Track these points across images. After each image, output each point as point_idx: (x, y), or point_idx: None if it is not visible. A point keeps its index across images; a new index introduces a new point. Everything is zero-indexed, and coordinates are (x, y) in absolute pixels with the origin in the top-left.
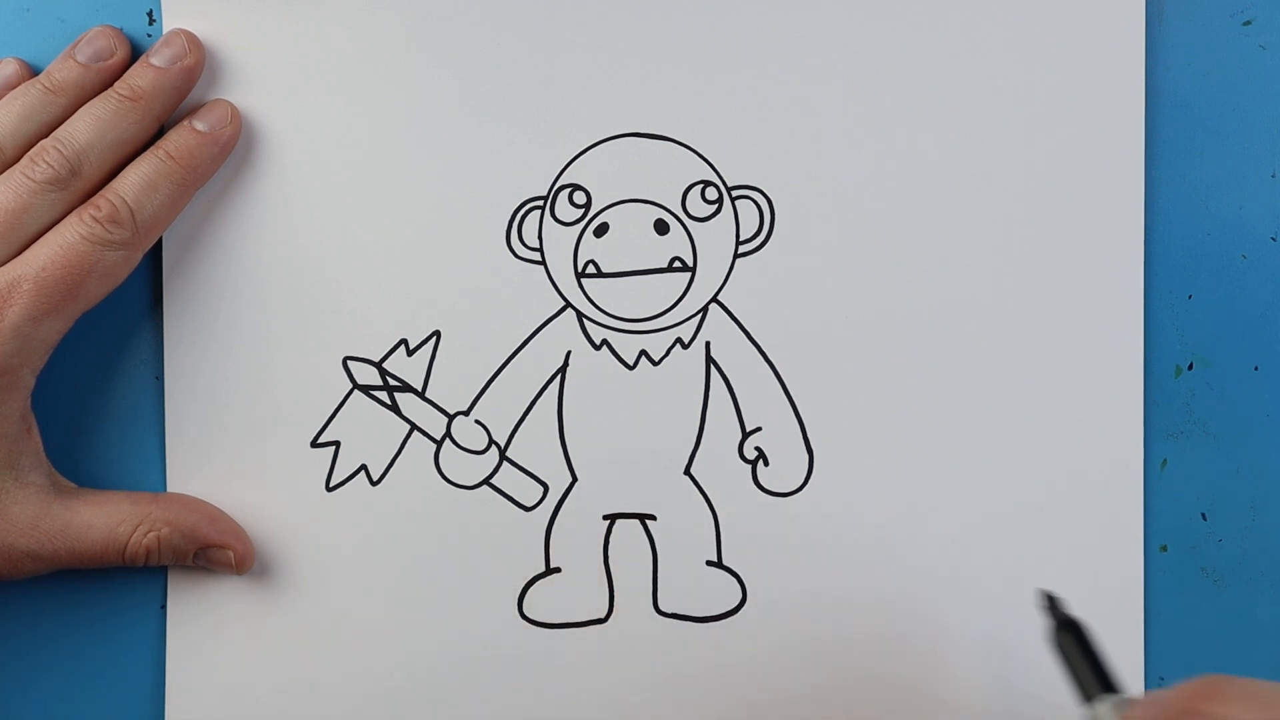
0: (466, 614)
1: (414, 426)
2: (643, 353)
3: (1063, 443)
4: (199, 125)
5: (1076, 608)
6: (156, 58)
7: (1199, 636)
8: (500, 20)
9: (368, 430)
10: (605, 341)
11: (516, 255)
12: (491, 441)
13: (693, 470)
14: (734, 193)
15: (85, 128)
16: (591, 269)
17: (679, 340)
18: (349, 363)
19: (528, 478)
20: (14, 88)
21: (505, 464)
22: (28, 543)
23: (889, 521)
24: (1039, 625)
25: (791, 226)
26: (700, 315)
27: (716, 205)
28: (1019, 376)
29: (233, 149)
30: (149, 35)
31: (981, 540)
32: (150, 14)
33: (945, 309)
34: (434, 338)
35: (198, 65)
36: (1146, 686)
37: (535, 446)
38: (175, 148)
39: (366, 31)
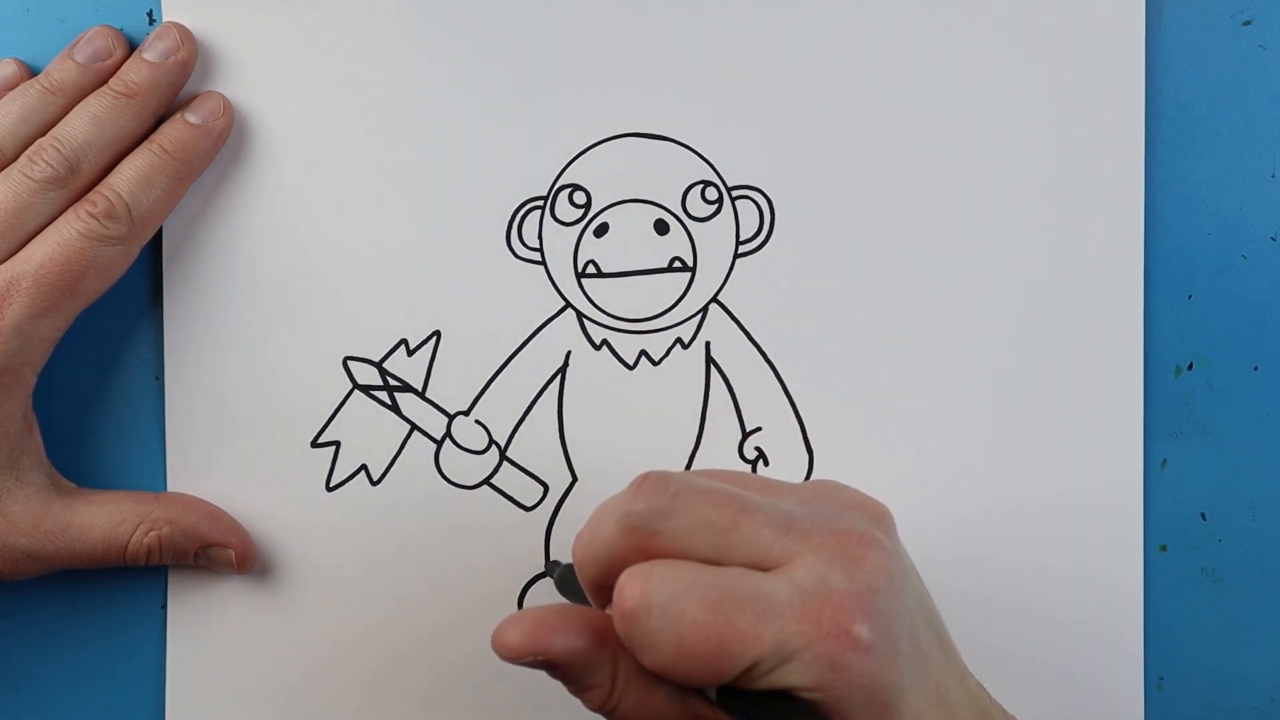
0: (466, 614)
1: (414, 426)
2: (643, 353)
3: (1063, 443)
4: (192, 118)
5: (1077, 608)
6: (150, 52)
7: (1199, 636)
8: (500, 19)
9: (368, 430)
10: (605, 341)
11: (516, 255)
12: (491, 441)
13: (693, 470)
14: (734, 193)
15: (83, 125)
16: (591, 269)
17: (679, 340)
18: (349, 363)
19: (528, 478)
20: (13, 88)
21: (505, 464)
22: (28, 543)
23: None
24: (1039, 626)
25: (791, 226)
26: (700, 315)
27: (716, 205)
28: (1019, 376)
29: (225, 141)
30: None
31: (981, 540)
32: (150, 14)
33: (945, 309)
34: (434, 338)
35: (191, 59)
36: (1146, 686)
37: (535, 446)
38: (169, 141)
39: (367, 31)
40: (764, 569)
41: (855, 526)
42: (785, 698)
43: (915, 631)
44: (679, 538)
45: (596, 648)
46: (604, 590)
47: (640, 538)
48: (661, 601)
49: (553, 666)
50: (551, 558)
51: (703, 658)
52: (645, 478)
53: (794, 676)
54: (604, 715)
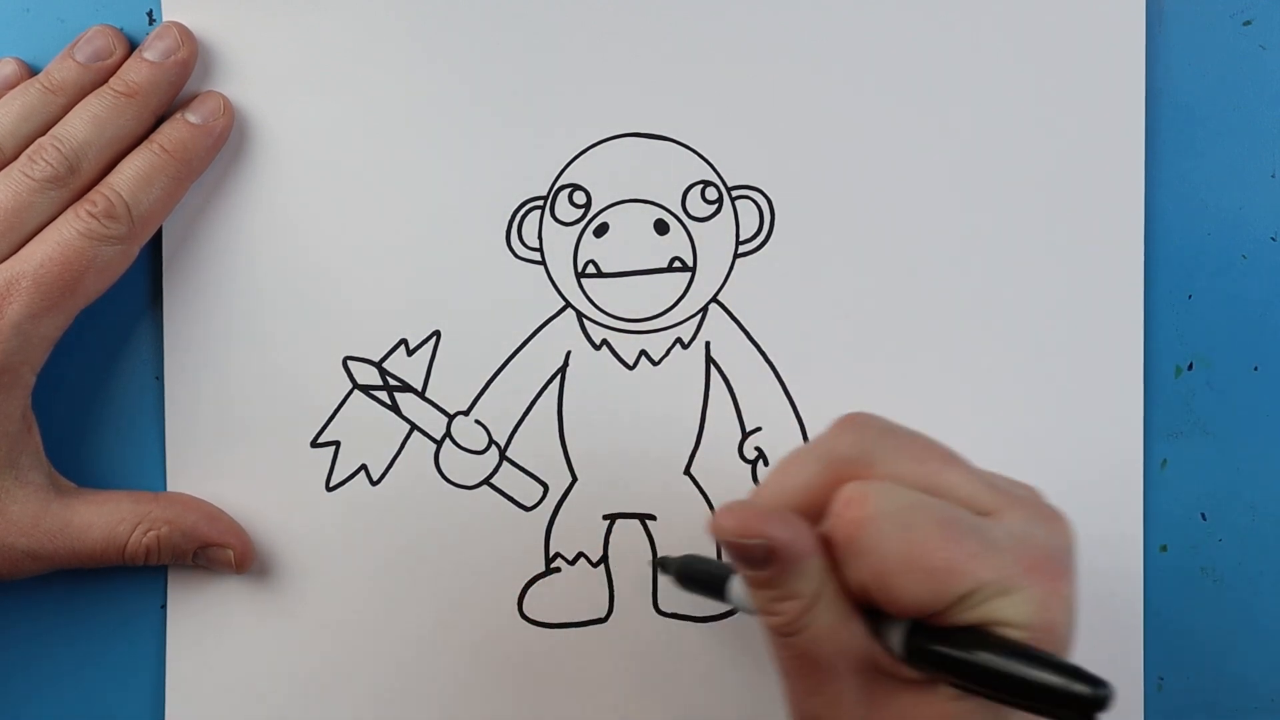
0: (466, 614)
1: (414, 426)
2: (643, 353)
3: (1063, 443)
4: (192, 118)
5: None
6: (150, 52)
7: (1199, 636)
8: (501, 18)
9: (368, 430)
10: (605, 341)
11: (516, 255)
12: (491, 441)
13: (693, 470)
14: (734, 193)
15: (83, 125)
16: (591, 269)
17: (679, 340)
18: (349, 363)
19: (528, 478)
20: (13, 87)
21: (505, 464)
22: (27, 542)
23: None
24: None
25: (791, 226)
26: (700, 315)
27: (716, 205)
28: (1019, 376)
29: (226, 140)
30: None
31: None
32: (150, 14)
33: (945, 309)
34: (434, 338)
35: (191, 58)
36: (1146, 686)
37: (535, 446)
38: (169, 141)
39: (367, 31)
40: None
41: (1036, 496)
42: (981, 637)
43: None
44: (892, 471)
45: (813, 552)
46: None
47: (850, 468)
48: (892, 510)
49: (768, 560)
50: (660, 554)
51: (930, 571)
52: (852, 415)
53: (1009, 611)
54: (786, 635)
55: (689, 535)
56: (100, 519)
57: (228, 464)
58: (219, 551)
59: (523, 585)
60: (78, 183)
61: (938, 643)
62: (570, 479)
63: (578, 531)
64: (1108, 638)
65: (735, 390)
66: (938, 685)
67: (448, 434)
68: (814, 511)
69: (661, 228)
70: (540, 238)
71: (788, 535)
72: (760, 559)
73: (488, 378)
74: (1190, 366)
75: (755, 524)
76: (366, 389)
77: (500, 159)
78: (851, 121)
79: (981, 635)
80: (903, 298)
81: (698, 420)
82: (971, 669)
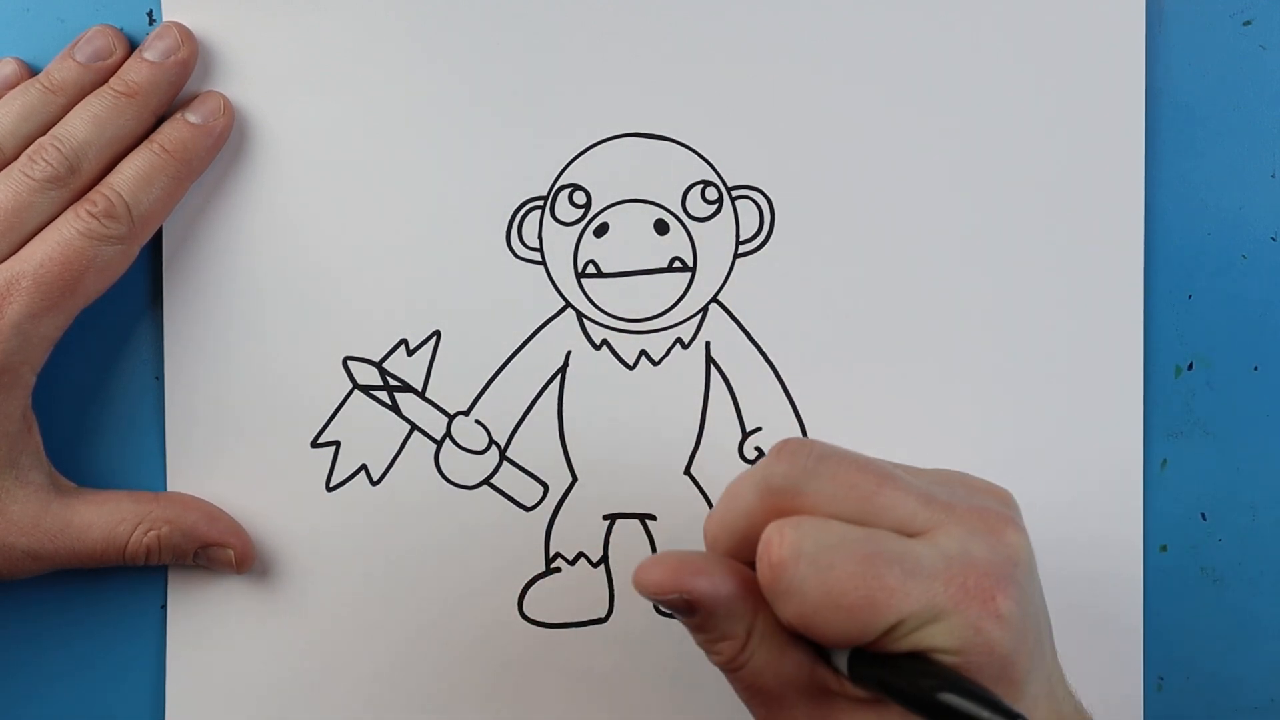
0: (466, 614)
1: (414, 426)
2: (643, 353)
3: (1063, 443)
4: (192, 118)
5: (1076, 608)
6: (150, 52)
7: (1199, 636)
8: (501, 18)
9: (368, 430)
10: (605, 341)
11: (516, 255)
12: (491, 441)
13: (693, 470)
14: (734, 193)
15: (83, 125)
16: (591, 269)
17: (679, 340)
18: (349, 363)
19: (528, 478)
20: (13, 87)
21: (505, 464)
22: (28, 542)
23: None
24: None
25: (791, 226)
26: (700, 315)
27: (716, 205)
28: (1019, 376)
29: (226, 140)
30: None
31: None
32: (150, 14)
33: (945, 309)
34: (434, 338)
35: (191, 58)
36: (1146, 686)
37: (535, 446)
38: (169, 141)
39: (367, 31)
40: (906, 536)
41: (991, 506)
42: (919, 664)
43: (1039, 618)
44: (823, 499)
45: (740, 596)
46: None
47: (782, 499)
48: (811, 550)
49: (692, 610)
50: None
51: (850, 610)
52: (786, 443)
53: (939, 638)
54: (729, 672)
55: (689, 535)
56: (100, 519)
57: (228, 464)
58: (219, 551)
59: (523, 585)
60: (78, 183)
61: (878, 667)
62: (570, 479)
63: (578, 531)
64: (1108, 638)
65: (735, 390)
66: (889, 703)
67: (448, 434)
68: (756, 540)
69: (661, 228)
70: (540, 238)
71: (705, 587)
72: (683, 610)
73: (488, 378)
74: (1190, 366)
75: (670, 580)
76: (366, 389)
77: (500, 159)
78: (851, 121)
79: (917, 661)
80: (903, 297)
81: (698, 420)
82: (904, 695)
